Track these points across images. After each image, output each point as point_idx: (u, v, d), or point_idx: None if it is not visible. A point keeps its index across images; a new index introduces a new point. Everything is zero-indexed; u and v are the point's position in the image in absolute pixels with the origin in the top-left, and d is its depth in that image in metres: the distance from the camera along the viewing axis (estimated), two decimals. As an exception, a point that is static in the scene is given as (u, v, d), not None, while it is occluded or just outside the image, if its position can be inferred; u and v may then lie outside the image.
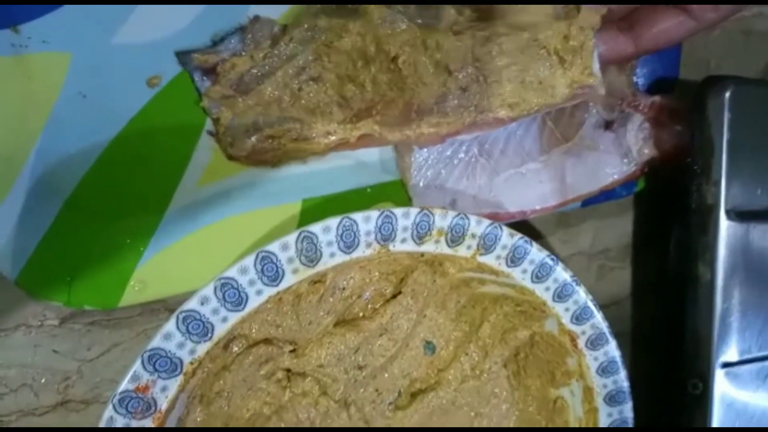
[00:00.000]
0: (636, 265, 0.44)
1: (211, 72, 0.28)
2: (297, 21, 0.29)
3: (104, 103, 0.30)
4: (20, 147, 0.29)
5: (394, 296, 0.32)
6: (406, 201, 0.35)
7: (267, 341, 0.30)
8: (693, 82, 0.43)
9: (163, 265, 0.31)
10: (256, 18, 0.29)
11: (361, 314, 0.32)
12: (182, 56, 0.29)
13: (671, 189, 0.39)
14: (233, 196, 0.32)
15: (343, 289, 0.31)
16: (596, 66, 0.31)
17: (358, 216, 0.27)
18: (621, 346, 0.34)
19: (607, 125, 0.39)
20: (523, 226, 0.40)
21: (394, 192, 0.35)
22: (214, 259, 0.31)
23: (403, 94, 0.29)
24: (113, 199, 0.30)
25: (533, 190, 0.38)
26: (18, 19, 0.28)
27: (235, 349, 0.29)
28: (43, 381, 0.31)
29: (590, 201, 0.39)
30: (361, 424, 0.32)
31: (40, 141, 0.29)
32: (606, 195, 0.39)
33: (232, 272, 0.25)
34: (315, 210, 0.34)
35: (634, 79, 0.40)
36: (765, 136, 0.34)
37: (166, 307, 0.32)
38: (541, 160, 0.38)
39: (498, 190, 0.37)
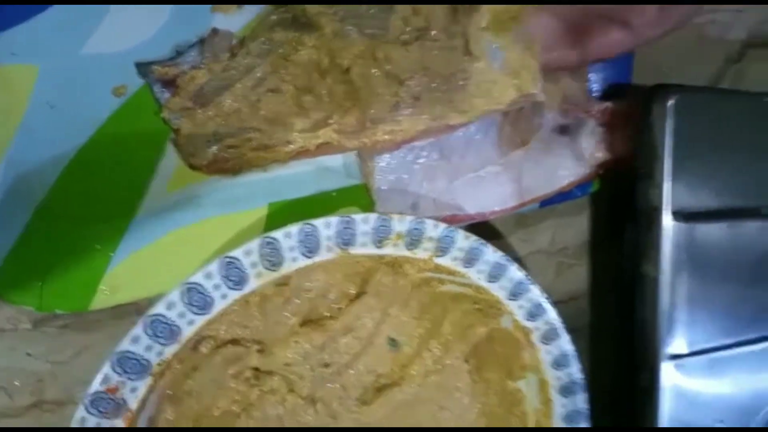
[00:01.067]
0: (593, 262, 0.46)
1: (170, 84, 0.29)
2: (254, 34, 0.30)
3: (72, 112, 0.31)
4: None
5: (357, 296, 0.34)
6: (370, 204, 0.37)
7: (235, 342, 0.31)
8: (645, 87, 0.45)
9: (133, 269, 0.32)
10: (215, 31, 0.30)
11: (326, 314, 0.34)
12: (142, 68, 0.30)
13: (624, 190, 0.41)
14: (201, 202, 0.33)
15: (308, 290, 0.32)
16: (539, 74, 0.32)
17: (318, 222, 0.29)
18: (580, 340, 0.36)
19: (563, 129, 0.41)
20: (484, 227, 0.41)
21: (359, 196, 0.37)
22: (183, 262, 0.32)
23: (358, 104, 0.31)
24: (83, 205, 0.31)
25: (492, 192, 0.39)
26: (-14, 31, 0.29)
27: (204, 350, 0.30)
28: (17, 383, 0.32)
29: (547, 202, 0.41)
30: (328, 419, 0.34)
31: (10, 150, 0.30)
32: (562, 196, 0.41)
33: (197, 277, 0.27)
34: (281, 214, 0.35)
35: (588, 85, 0.42)
36: (708, 141, 0.36)
37: (137, 309, 0.33)
38: (499, 163, 0.40)
39: (458, 193, 0.38)
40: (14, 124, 0.30)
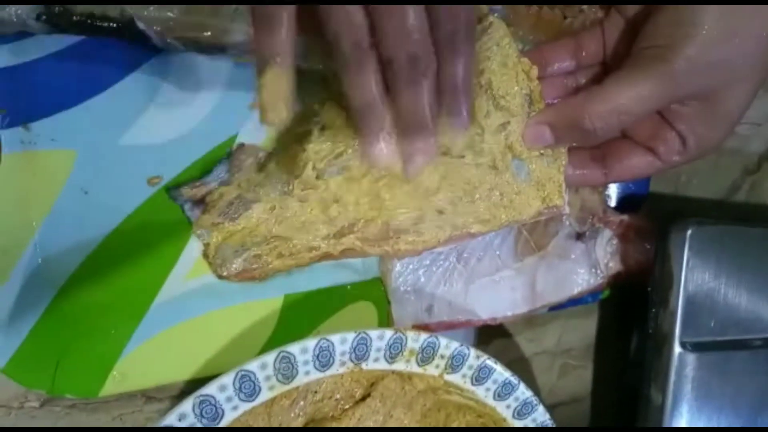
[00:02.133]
0: (597, 365, 0.46)
1: (200, 202, 0.30)
2: (280, 147, 0.30)
3: (105, 199, 0.31)
4: (19, 239, 0.30)
5: (363, 398, 0.34)
6: (385, 300, 0.37)
7: (238, 439, 0.31)
8: (663, 197, 0.46)
9: (145, 357, 0.32)
10: (241, 146, 0.31)
11: (330, 414, 0.34)
12: (173, 191, 0.30)
13: (635, 298, 0.41)
14: (217, 291, 0.34)
15: (315, 392, 0.32)
16: (564, 188, 0.33)
17: (335, 338, 0.29)
18: None
19: (579, 236, 0.42)
20: (493, 326, 0.42)
21: (374, 290, 0.37)
22: (195, 352, 0.33)
23: (382, 215, 0.31)
24: (104, 290, 0.32)
25: (505, 296, 0.40)
26: (30, 117, 0.30)
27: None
28: (18, 460, 0.32)
29: (557, 307, 0.41)
30: None
31: (39, 233, 0.31)
32: (573, 302, 0.42)
33: (211, 389, 0.27)
34: (296, 306, 0.35)
35: (606, 195, 0.42)
36: (721, 274, 0.36)
37: (143, 393, 0.34)
38: (514, 268, 0.40)
39: (472, 297, 0.39)
40: (45, 208, 0.31)
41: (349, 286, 0.37)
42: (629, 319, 0.43)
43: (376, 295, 0.37)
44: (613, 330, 0.46)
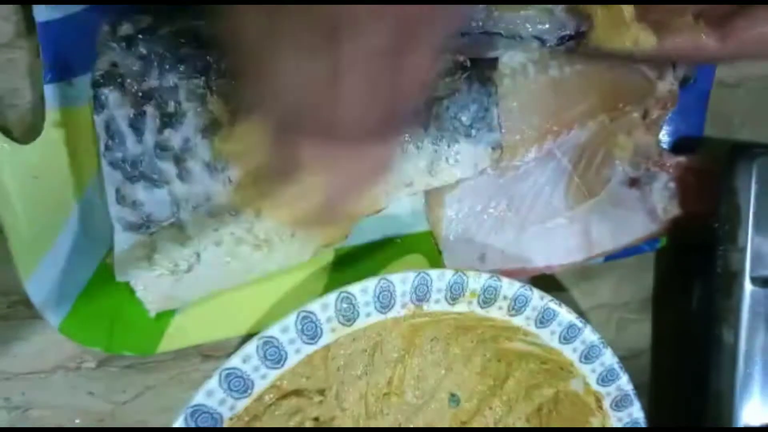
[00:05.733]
0: (656, 319, 0.44)
1: None
2: None
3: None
4: (67, 197, 0.30)
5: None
6: (436, 252, 0.36)
7: (297, 392, 0.31)
8: (717, 140, 0.44)
9: (201, 313, 0.31)
10: None
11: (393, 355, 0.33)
12: None
13: (694, 246, 0.39)
14: (269, 247, 0.33)
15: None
16: None
17: (395, 277, 0.28)
18: (639, 397, 0.34)
19: (633, 183, 0.40)
20: (546, 278, 0.40)
21: (424, 243, 0.36)
22: (251, 306, 0.32)
23: None
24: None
25: (559, 245, 0.38)
26: (73, 72, 0.30)
27: (267, 399, 0.30)
28: (77, 422, 0.31)
29: (613, 256, 0.40)
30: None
31: (87, 191, 0.30)
32: (630, 251, 0.40)
33: (273, 331, 0.26)
34: (346, 259, 0.35)
35: (660, 137, 0.41)
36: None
37: (199, 351, 0.33)
38: (567, 216, 0.39)
39: (525, 245, 0.37)
40: (93, 165, 0.30)
41: (398, 239, 0.36)
42: (688, 269, 0.41)
43: (426, 247, 0.36)
44: (672, 281, 0.44)
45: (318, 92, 0.18)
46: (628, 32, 0.30)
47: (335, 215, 0.21)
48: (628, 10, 0.29)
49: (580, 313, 0.42)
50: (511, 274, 0.37)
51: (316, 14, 0.16)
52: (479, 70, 0.33)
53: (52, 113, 0.29)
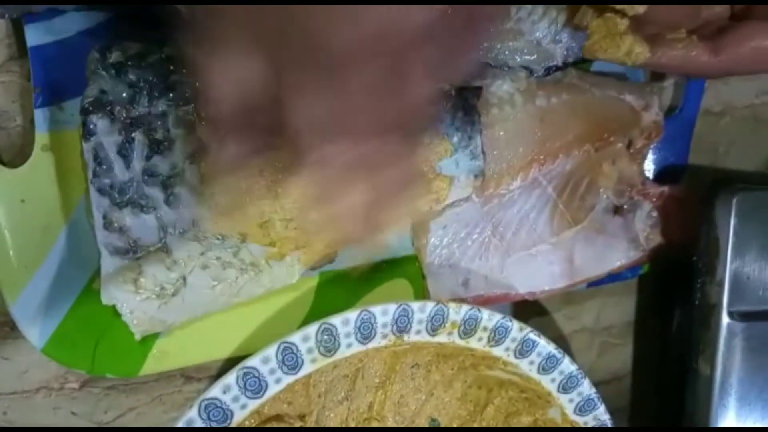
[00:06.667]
0: (637, 343, 0.45)
1: None
2: None
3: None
4: (56, 218, 0.30)
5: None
6: (420, 277, 0.36)
7: (278, 417, 0.31)
8: (701, 168, 0.45)
9: (185, 335, 0.32)
10: None
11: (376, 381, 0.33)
12: None
13: (675, 274, 0.40)
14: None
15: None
16: None
17: (376, 309, 0.28)
18: (620, 420, 0.35)
19: (616, 210, 0.40)
20: (530, 303, 0.41)
21: (408, 267, 0.36)
22: (235, 329, 0.32)
23: None
24: (141, 269, 0.32)
25: (543, 271, 0.39)
26: (63, 96, 0.30)
27: (247, 423, 0.30)
28: (59, 442, 0.32)
29: (596, 282, 0.40)
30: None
31: (76, 212, 0.30)
32: (612, 277, 0.41)
33: (254, 362, 0.26)
34: (331, 284, 0.35)
35: (644, 166, 0.41)
36: (765, 239, 0.35)
37: (182, 373, 0.33)
38: (551, 242, 0.39)
39: (509, 271, 0.38)
40: (83, 186, 0.30)
41: (384, 264, 0.36)
42: (670, 295, 0.42)
43: (411, 272, 0.36)
44: (654, 306, 0.45)
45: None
46: (622, 43, 0.30)
47: (378, 226, 0.22)
48: (623, 21, 0.29)
49: (563, 337, 0.43)
50: (494, 300, 0.38)
51: (314, 54, 0.17)
52: (463, 99, 0.34)
53: (41, 137, 0.29)
